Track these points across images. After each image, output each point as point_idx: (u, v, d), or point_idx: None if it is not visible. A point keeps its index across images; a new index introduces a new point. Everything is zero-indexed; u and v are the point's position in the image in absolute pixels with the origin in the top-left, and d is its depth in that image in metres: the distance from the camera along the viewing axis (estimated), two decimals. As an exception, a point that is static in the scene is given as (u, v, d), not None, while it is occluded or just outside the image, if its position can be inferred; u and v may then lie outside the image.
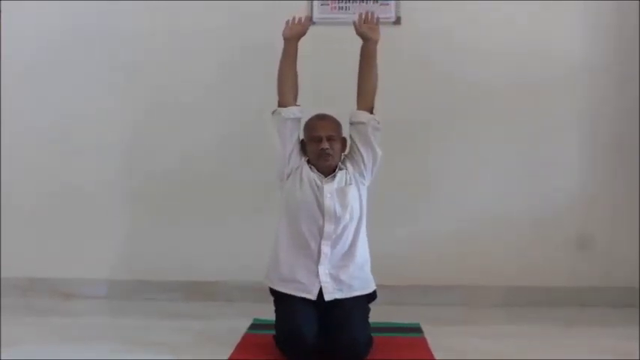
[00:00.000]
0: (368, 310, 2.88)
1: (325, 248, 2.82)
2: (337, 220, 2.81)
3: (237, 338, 3.00)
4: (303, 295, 2.80)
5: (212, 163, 3.84)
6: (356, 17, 2.96)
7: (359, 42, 2.93)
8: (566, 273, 3.79)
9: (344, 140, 2.91)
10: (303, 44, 2.93)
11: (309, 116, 2.89)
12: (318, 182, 2.83)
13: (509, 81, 3.80)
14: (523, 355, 2.88)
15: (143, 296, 3.76)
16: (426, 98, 3.80)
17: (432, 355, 2.82)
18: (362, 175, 2.88)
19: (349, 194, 2.82)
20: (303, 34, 2.97)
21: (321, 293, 2.79)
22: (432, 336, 3.07)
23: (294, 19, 2.96)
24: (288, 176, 2.87)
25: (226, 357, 2.75)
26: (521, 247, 3.80)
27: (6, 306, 3.54)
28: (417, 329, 3.20)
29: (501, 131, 3.82)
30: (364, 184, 2.90)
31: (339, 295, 2.81)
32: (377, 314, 2.90)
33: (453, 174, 3.82)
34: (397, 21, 3.76)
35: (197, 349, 2.89)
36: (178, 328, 3.22)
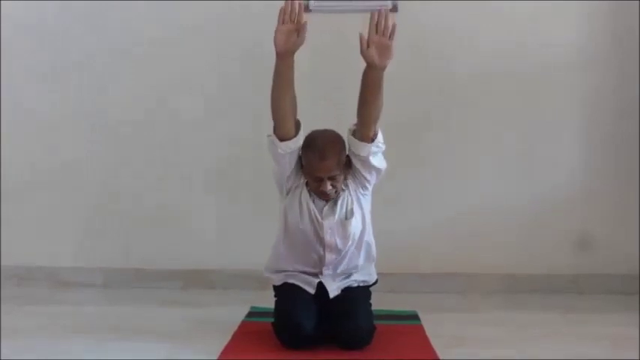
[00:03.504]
0: (370, 295, 2.87)
1: (327, 271, 2.79)
2: (339, 251, 2.75)
3: (235, 326, 2.99)
4: (303, 286, 2.78)
5: (212, 156, 3.81)
6: (365, 29, 2.35)
7: (360, 35, 2.44)
8: (566, 260, 3.77)
9: (347, 159, 2.66)
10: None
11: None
12: (318, 217, 2.69)
13: (508, 74, 3.74)
14: (522, 342, 2.87)
15: (141, 285, 3.75)
16: (423, 88, 3.75)
17: (429, 341, 2.81)
18: (364, 187, 2.73)
19: (350, 226, 2.71)
20: (301, 43, 2.44)
21: (320, 289, 2.76)
22: (432, 323, 3.06)
23: (287, 7, 2.43)
24: (288, 192, 2.75)
25: (224, 345, 2.74)
26: (521, 235, 3.78)
27: (3, 295, 3.53)
28: (414, 316, 3.19)
29: (501, 121, 3.78)
30: (366, 195, 2.76)
31: (339, 292, 2.79)
32: (376, 302, 2.88)
33: (452, 163, 3.79)
34: (394, 8, 3.69)
35: (195, 337, 2.89)
36: (176, 317, 3.20)
